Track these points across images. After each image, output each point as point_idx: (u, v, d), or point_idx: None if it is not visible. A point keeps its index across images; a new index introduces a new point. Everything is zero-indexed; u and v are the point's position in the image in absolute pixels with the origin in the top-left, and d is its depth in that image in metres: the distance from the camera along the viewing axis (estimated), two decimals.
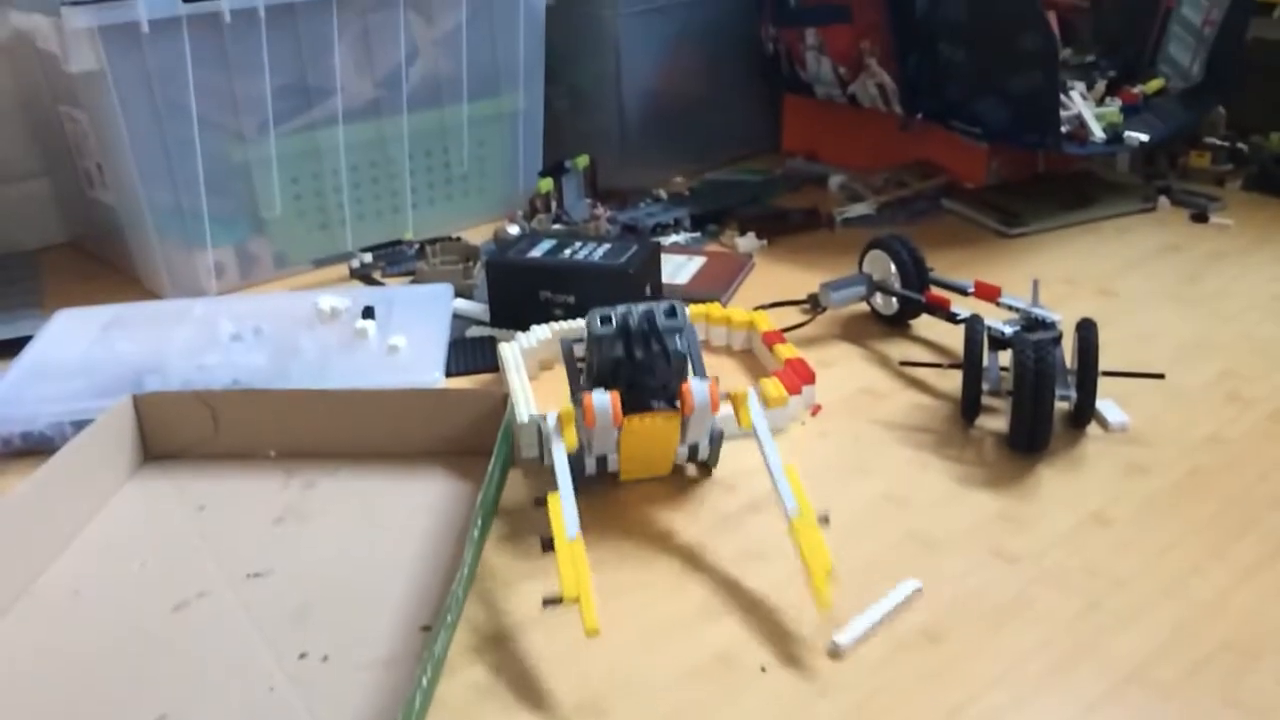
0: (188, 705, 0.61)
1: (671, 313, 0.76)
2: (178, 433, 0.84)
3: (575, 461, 0.75)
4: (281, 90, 1.14)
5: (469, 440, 0.83)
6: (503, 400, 0.82)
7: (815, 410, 0.90)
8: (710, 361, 0.99)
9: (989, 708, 0.59)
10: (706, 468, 0.82)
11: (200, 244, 1.14)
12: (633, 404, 0.74)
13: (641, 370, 0.74)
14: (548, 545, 0.67)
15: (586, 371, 0.77)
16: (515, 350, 0.94)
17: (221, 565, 0.72)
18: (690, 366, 0.77)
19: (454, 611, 0.65)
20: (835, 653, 0.64)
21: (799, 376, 0.90)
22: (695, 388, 0.73)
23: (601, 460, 0.78)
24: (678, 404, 0.74)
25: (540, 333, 0.98)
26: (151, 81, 1.06)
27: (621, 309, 0.75)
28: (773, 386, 0.88)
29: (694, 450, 0.79)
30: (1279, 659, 0.62)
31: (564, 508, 0.69)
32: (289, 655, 0.64)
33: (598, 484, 0.79)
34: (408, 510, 0.77)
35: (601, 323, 0.75)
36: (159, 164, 1.10)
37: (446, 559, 0.72)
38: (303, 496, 0.80)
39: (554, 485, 0.71)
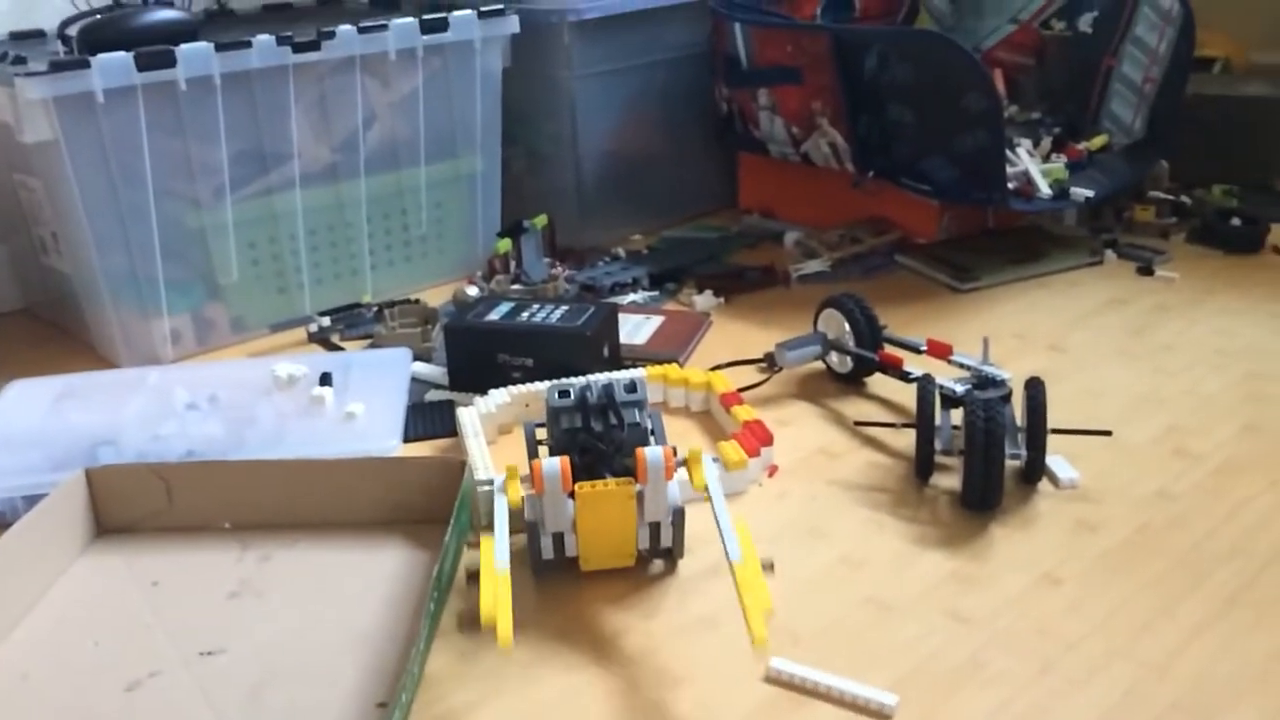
0: None
1: (631, 388, 0.76)
2: (131, 506, 0.84)
3: (532, 544, 0.75)
4: (238, 156, 1.15)
5: (427, 508, 0.83)
6: (460, 466, 0.82)
7: (772, 471, 0.91)
8: (668, 422, 0.99)
9: None
10: (672, 559, 0.79)
11: (156, 311, 1.14)
12: (587, 473, 0.74)
13: (598, 441, 0.75)
14: (473, 577, 0.67)
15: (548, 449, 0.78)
16: (473, 415, 0.94)
17: (175, 643, 0.72)
18: (651, 438, 0.77)
19: (409, 689, 0.64)
20: (770, 677, 0.66)
21: (757, 439, 0.90)
22: (649, 453, 0.73)
23: (559, 541, 0.75)
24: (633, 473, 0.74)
25: (498, 397, 0.98)
26: (107, 150, 1.06)
27: (581, 383, 0.76)
28: (731, 450, 0.89)
29: (655, 533, 0.76)
30: (1227, 719, 0.63)
31: (496, 543, 0.70)
32: None
33: (557, 572, 0.78)
34: (365, 583, 0.77)
35: (559, 395, 0.75)
36: (114, 231, 1.10)
37: (403, 633, 0.71)
38: (258, 570, 0.79)
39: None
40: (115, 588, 0.78)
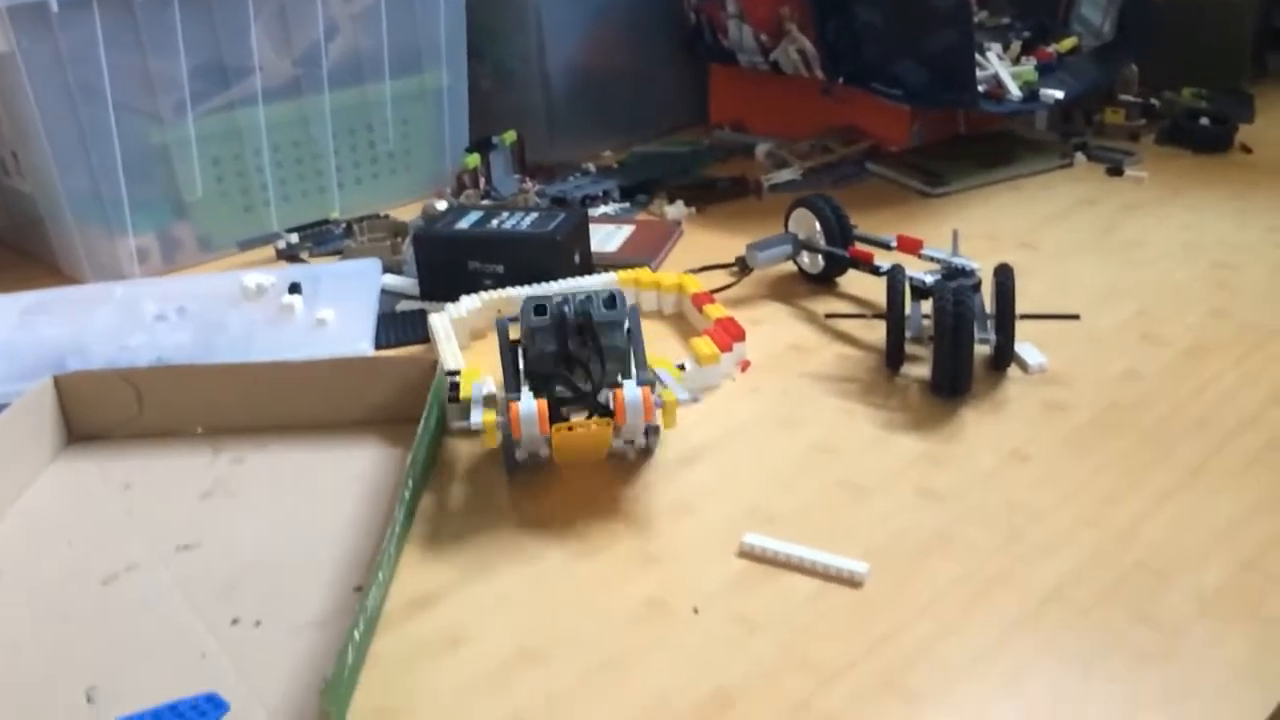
0: (117, 676, 0.60)
1: (610, 303, 0.74)
2: (101, 413, 0.83)
3: (506, 452, 0.75)
4: (198, 70, 1.13)
5: (400, 408, 0.83)
6: (432, 365, 0.82)
7: (745, 366, 0.91)
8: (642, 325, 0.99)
9: (915, 635, 0.61)
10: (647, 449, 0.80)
11: (121, 230, 1.13)
12: (565, 401, 0.73)
13: (575, 364, 0.73)
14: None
15: (523, 355, 0.76)
16: (445, 320, 0.93)
17: (149, 540, 0.72)
18: (632, 359, 0.76)
19: (386, 569, 0.65)
20: (743, 551, 0.67)
21: (729, 334, 0.91)
22: (629, 396, 0.71)
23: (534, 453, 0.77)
24: (611, 406, 0.72)
25: (470, 303, 0.98)
26: (64, 63, 1.04)
27: (558, 298, 0.75)
28: (704, 344, 0.89)
29: (629, 442, 0.78)
30: (1189, 578, 0.64)
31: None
32: (220, 623, 0.64)
33: (529, 471, 0.78)
34: (339, 479, 0.77)
35: (536, 313, 0.74)
36: (75, 149, 1.08)
37: (379, 523, 0.71)
38: (231, 471, 0.79)
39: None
40: (88, 491, 0.78)
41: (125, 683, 0.59)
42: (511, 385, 0.75)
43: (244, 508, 0.75)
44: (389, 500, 0.74)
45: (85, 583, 0.68)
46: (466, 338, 0.97)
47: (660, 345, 0.95)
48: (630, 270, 1.03)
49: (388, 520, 0.65)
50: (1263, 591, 0.63)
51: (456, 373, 0.82)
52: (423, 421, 0.75)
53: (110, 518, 0.74)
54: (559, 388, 0.73)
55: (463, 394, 0.80)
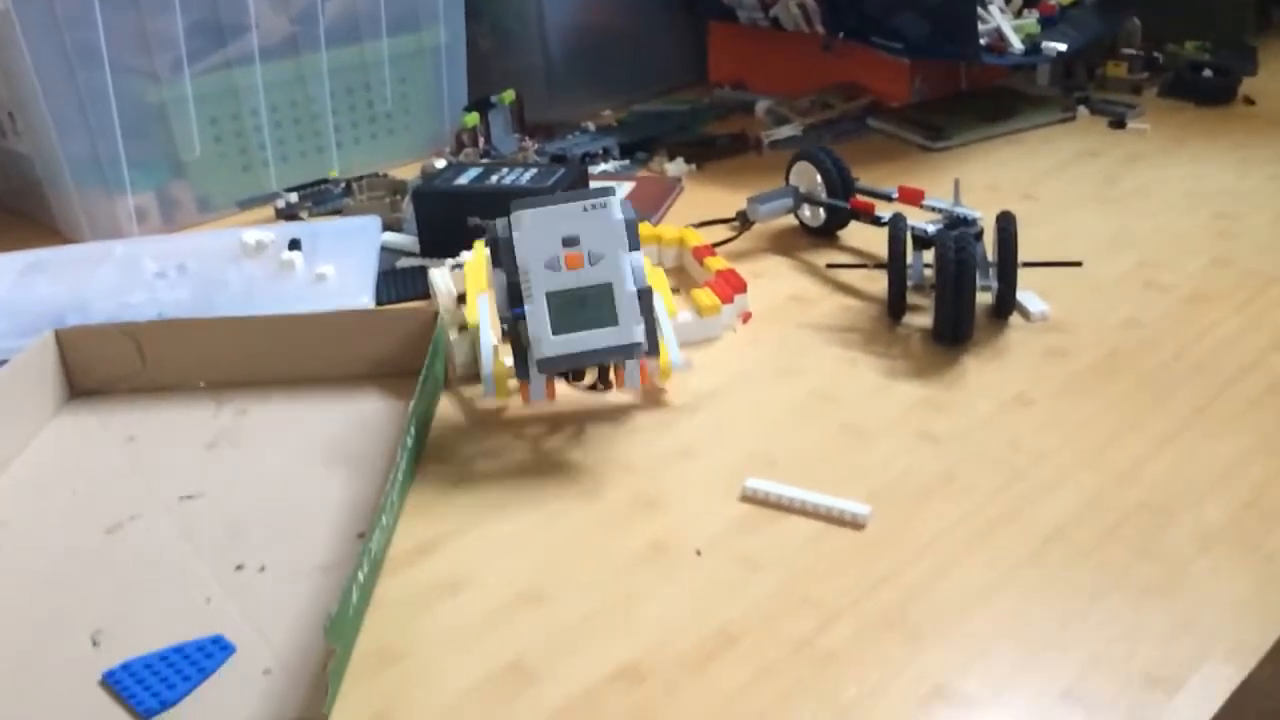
0: (123, 620, 0.60)
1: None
2: (103, 367, 0.83)
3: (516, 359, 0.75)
4: (194, 28, 1.12)
5: (401, 360, 0.83)
6: (433, 316, 0.82)
7: (746, 317, 0.91)
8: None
9: (917, 574, 0.61)
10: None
11: (120, 190, 1.12)
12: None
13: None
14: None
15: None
16: (445, 275, 0.93)
17: (153, 490, 0.72)
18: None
19: (389, 514, 0.65)
20: (745, 495, 0.67)
21: (730, 285, 0.90)
22: (628, 369, 0.75)
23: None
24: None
25: (470, 257, 0.97)
26: (60, 23, 1.04)
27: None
28: (705, 295, 0.89)
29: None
30: (1191, 515, 0.64)
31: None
32: (225, 568, 0.64)
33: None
34: (342, 430, 0.77)
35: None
36: (72, 108, 1.07)
37: (381, 472, 0.72)
38: (235, 423, 0.79)
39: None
40: (91, 443, 0.78)
41: (130, 627, 0.60)
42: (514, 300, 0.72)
43: (247, 459, 0.75)
44: (391, 450, 0.74)
45: (89, 532, 0.68)
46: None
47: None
48: None
49: (390, 467, 0.66)
50: (1264, 529, 0.63)
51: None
52: (424, 371, 0.75)
53: (113, 469, 0.75)
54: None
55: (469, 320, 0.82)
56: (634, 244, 0.73)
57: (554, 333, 0.71)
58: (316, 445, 0.76)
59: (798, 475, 0.70)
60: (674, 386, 0.81)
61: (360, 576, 0.58)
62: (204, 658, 0.57)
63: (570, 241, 0.72)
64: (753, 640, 0.57)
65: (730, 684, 0.54)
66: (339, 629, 0.54)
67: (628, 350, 0.71)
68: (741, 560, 0.63)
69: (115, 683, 0.55)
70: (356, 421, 0.78)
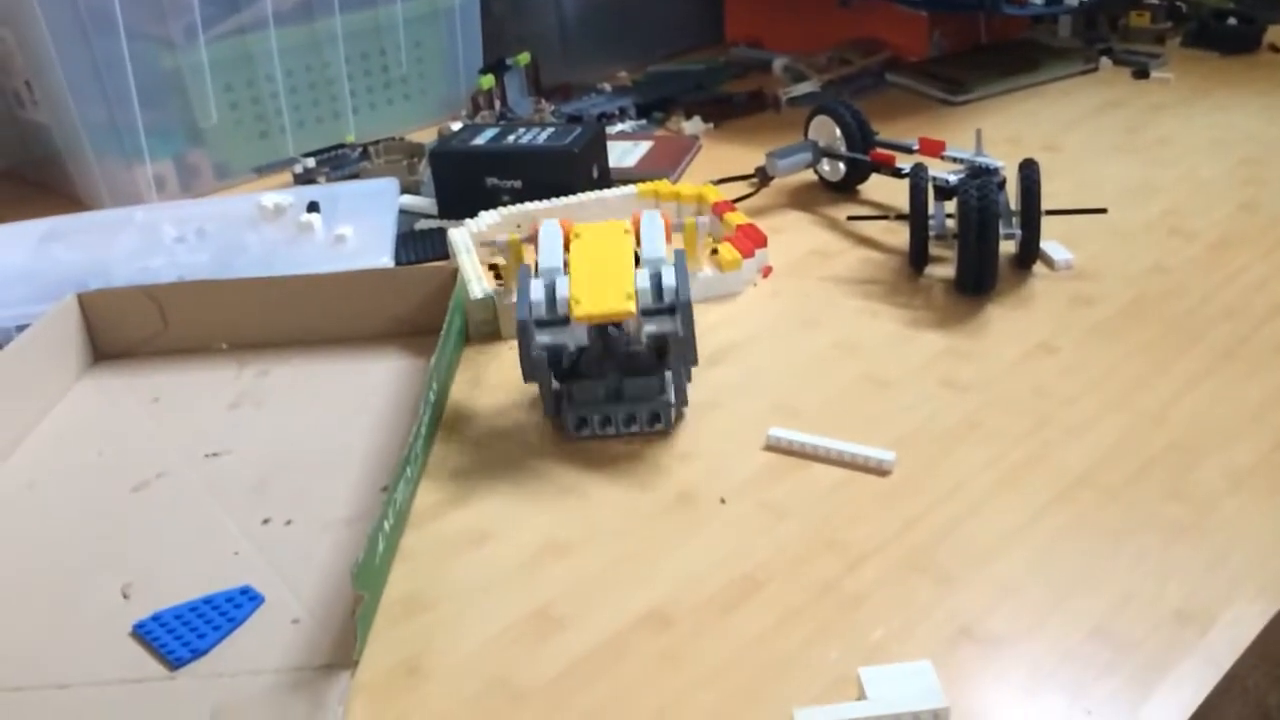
0: (152, 574, 0.61)
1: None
2: (126, 330, 0.83)
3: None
4: None
5: (422, 320, 0.82)
6: (452, 275, 0.82)
7: (766, 272, 0.90)
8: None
9: (943, 517, 0.61)
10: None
11: (138, 158, 1.12)
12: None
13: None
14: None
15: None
16: (464, 234, 0.93)
17: (179, 448, 0.72)
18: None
19: (414, 466, 0.65)
20: (769, 444, 0.67)
21: (751, 240, 0.90)
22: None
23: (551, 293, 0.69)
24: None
25: (489, 217, 0.97)
26: None
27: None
28: (726, 250, 0.88)
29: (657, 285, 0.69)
30: (1220, 456, 0.64)
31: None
32: (252, 522, 0.64)
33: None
34: (364, 389, 0.77)
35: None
36: (88, 77, 1.08)
37: (404, 428, 0.72)
38: (257, 383, 0.80)
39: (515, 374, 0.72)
40: (116, 404, 0.78)
41: (160, 580, 0.60)
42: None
43: (270, 417, 0.75)
44: (414, 407, 0.74)
45: (117, 489, 0.68)
46: (486, 253, 0.97)
47: None
48: (650, 183, 1.02)
49: (413, 422, 0.66)
50: None
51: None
52: (445, 326, 0.75)
53: (139, 429, 0.75)
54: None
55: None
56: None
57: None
58: (338, 403, 0.76)
59: (821, 424, 0.69)
60: (697, 341, 0.80)
61: (386, 526, 0.58)
62: (233, 608, 0.57)
63: None
64: (778, 585, 0.57)
65: (756, 627, 0.54)
66: (366, 576, 0.54)
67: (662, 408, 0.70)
68: (766, 508, 0.63)
69: (146, 633, 0.56)
70: (378, 380, 0.78)
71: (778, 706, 0.49)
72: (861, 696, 0.49)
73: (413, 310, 0.83)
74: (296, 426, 0.74)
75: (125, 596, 0.59)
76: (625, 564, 0.59)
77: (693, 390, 0.74)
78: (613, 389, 0.69)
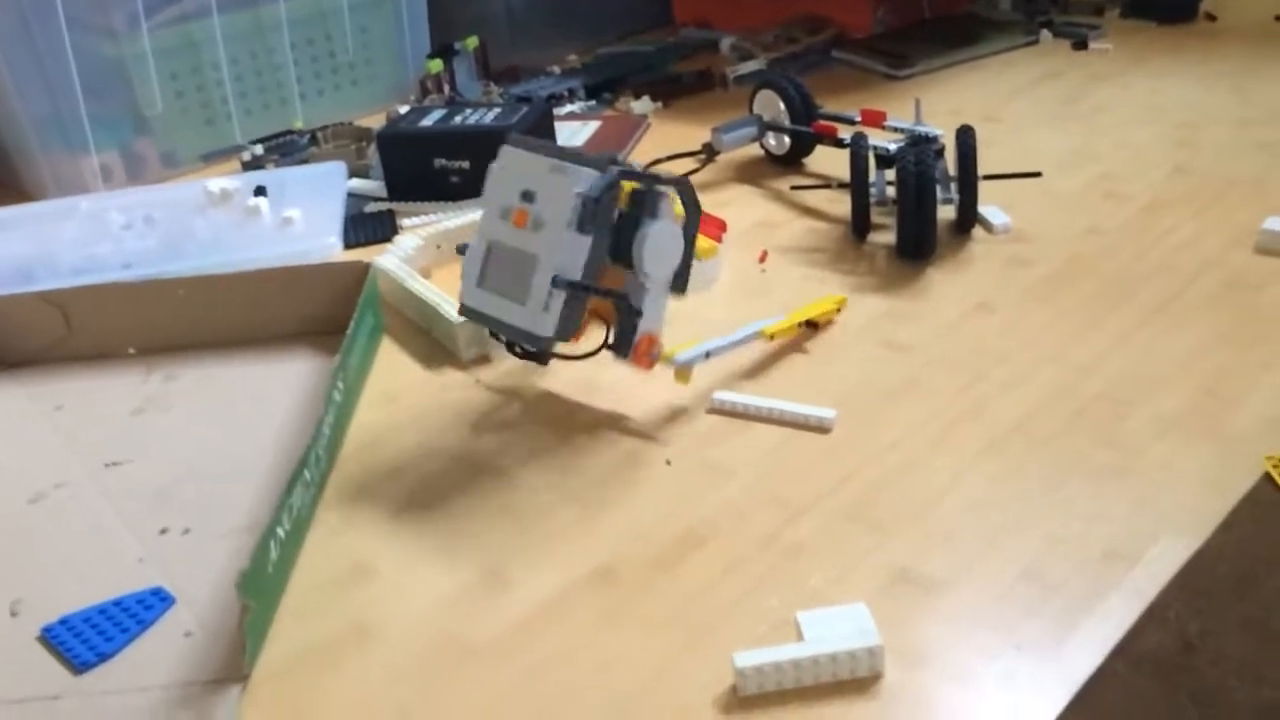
0: (45, 587, 0.59)
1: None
2: (28, 337, 0.81)
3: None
4: None
5: (335, 318, 0.78)
6: (365, 269, 0.79)
7: (763, 257, 0.90)
8: None
9: (881, 470, 0.62)
10: None
11: (83, 149, 1.12)
12: None
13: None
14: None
15: None
16: (394, 262, 0.86)
17: (79, 457, 0.70)
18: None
19: (313, 469, 0.63)
20: (713, 407, 0.69)
21: (715, 225, 0.88)
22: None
23: None
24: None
25: (408, 241, 0.89)
26: None
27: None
28: (699, 240, 0.86)
29: None
30: (1149, 405, 0.65)
31: None
32: (149, 532, 0.63)
33: None
34: (273, 391, 0.75)
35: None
36: (31, 68, 1.07)
37: (311, 431, 0.67)
38: (163, 388, 0.78)
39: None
40: (14, 414, 0.76)
41: (52, 594, 0.58)
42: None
43: (175, 423, 0.74)
44: (322, 406, 0.70)
45: (10, 503, 0.67)
46: (430, 264, 0.94)
47: None
48: None
49: (317, 423, 0.64)
50: (1222, 412, 0.64)
51: None
52: (353, 324, 0.73)
53: (38, 439, 0.73)
54: None
55: None
56: (585, 226, 0.63)
57: (477, 284, 0.66)
58: (246, 407, 0.74)
59: (766, 387, 0.71)
60: None
61: (280, 533, 0.57)
62: (143, 609, 0.56)
63: (527, 196, 0.65)
64: (721, 540, 0.58)
65: (699, 580, 0.55)
66: (255, 584, 0.53)
67: (530, 338, 0.64)
68: (710, 467, 0.64)
69: (53, 637, 0.55)
70: (288, 383, 0.76)
71: (719, 652, 0.50)
72: (800, 639, 0.50)
73: (325, 308, 0.80)
74: (201, 432, 0.72)
75: (14, 614, 0.58)
76: (572, 525, 0.60)
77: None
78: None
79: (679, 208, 0.68)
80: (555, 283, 0.62)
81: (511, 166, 0.67)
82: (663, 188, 0.65)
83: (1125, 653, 0.48)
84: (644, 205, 0.64)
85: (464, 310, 0.68)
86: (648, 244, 0.64)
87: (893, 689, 0.48)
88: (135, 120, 1.15)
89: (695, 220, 0.69)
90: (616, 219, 0.65)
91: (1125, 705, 0.46)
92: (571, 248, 0.63)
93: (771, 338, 0.74)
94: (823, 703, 0.48)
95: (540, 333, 0.63)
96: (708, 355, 0.71)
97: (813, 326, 0.77)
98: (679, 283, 0.69)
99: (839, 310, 0.78)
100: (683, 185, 0.67)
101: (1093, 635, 0.50)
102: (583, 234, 0.63)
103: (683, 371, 0.69)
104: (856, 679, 0.49)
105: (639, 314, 0.66)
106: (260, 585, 0.54)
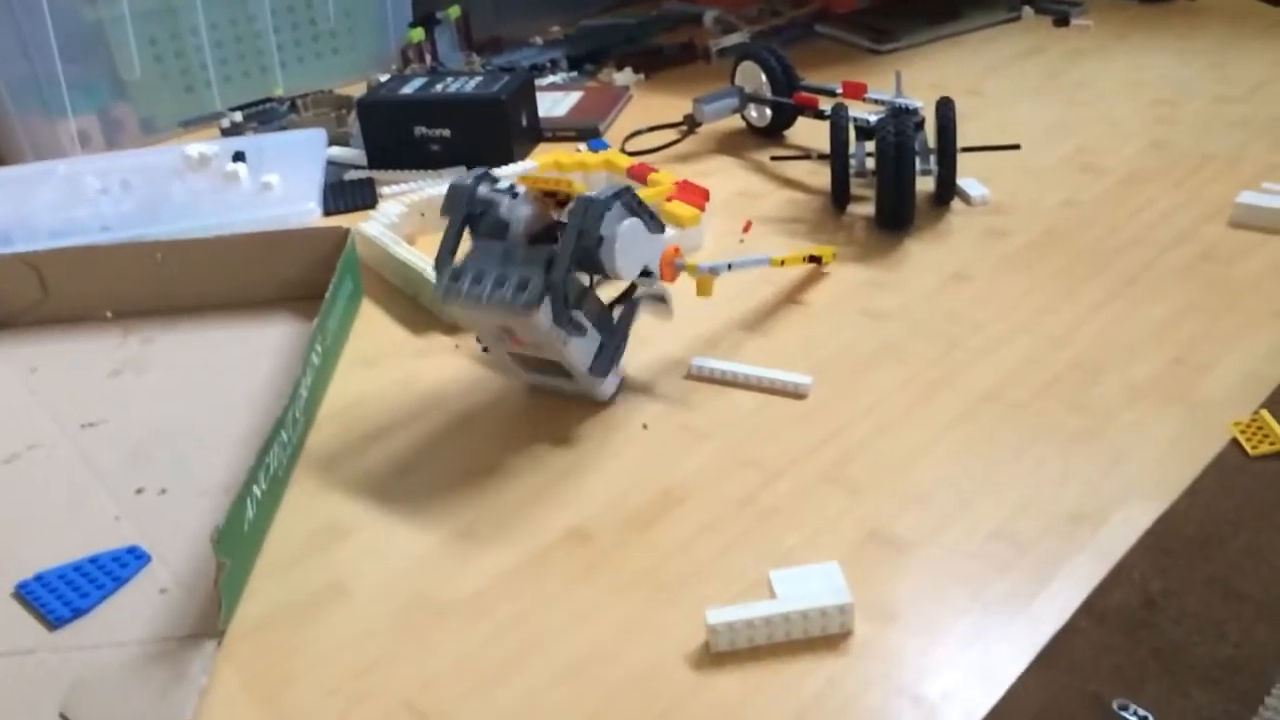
0: (20, 545, 0.59)
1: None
2: (2, 300, 0.80)
3: None
4: None
5: (314, 284, 0.77)
6: (344, 236, 0.79)
7: (746, 227, 0.90)
8: None
9: (856, 435, 0.63)
10: None
11: (61, 113, 1.11)
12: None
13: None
14: None
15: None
16: (378, 228, 0.86)
17: (54, 418, 0.70)
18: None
19: (290, 430, 0.63)
20: (690, 373, 0.68)
21: (698, 194, 0.88)
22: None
23: None
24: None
25: (392, 208, 0.89)
26: None
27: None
28: (681, 208, 0.85)
29: None
30: (1120, 372, 0.66)
31: None
32: (125, 492, 0.63)
33: None
34: (250, 355, 0.75)
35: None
36: (8, 30, 1.06)
37: (288, 394, 0.66)
38: (141, 351, 0.77)
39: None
40: None
41: (27, 552, 0.58)
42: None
43: (152, 385, 0.73)
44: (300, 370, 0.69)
45: None
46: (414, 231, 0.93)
47: None
48: (550, 155, 1.00)
49: (294, 385, 0.64)
50: (1191, 381, 0.65)
51: None
52: (332, 287, 0.72)
53: (12, 400, 0.73)
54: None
55: None
56: (572, 328, 0.62)
57: (525, 371, 0.66)
58: (223, 370, 0.74)
59: (743, 353, 0.71)
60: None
61: (256, 491, 0.57)
62: (119, 567, 0.56)
63: (507, 330, 0.63)
64: (696, 500, 0.59)
65: (674, 540, 0.56)
66: (231, 542, 0.53)
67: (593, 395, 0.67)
68: (687, 430, 0.64)
69: (27, 593, 0.55)
70: (267, 348, 0.76)
71: (692, 609, 0.51)
72: (772, 597, 0.51)
73: (304, 273, 0.80)
74: (179, 394, 0.72)
75: None
76: (547, 486, 0.61)
77: None
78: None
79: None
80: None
81: (469, 313, 0.63)
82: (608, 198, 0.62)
83: (1091, 609, 0.49)
84: (589, 216, 0.61)
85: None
86: (617, 248, 0.61)
87: (863, 645, 0.49)
88: (113, 85, 1.14)
89: (652, 214, 0.66)
90: (573, 238, 0.61)
91: (1090, 659, 0.47)
92: (577, 345, 0.63)
93: (782, 263, 0.76)
94: (794, 658, 0.48)
95: (602, 397, 0.67)
96: (730, 267, 0.71)
97: (816, 261, 0.79)
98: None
99: (834, 256, 0.81)
100: (624, 192, 0.64)
101: (1060, 593, 0.50)
102: (577, 333, 0.62)
103: (705, 280, 0.68)
104: (827, 636, 0.49)
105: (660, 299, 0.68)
106: (236, 543, 0.54)
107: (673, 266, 0.67)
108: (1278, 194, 0.83)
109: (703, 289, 0.68)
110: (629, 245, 0.62)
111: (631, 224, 0.63)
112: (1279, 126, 0.98)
